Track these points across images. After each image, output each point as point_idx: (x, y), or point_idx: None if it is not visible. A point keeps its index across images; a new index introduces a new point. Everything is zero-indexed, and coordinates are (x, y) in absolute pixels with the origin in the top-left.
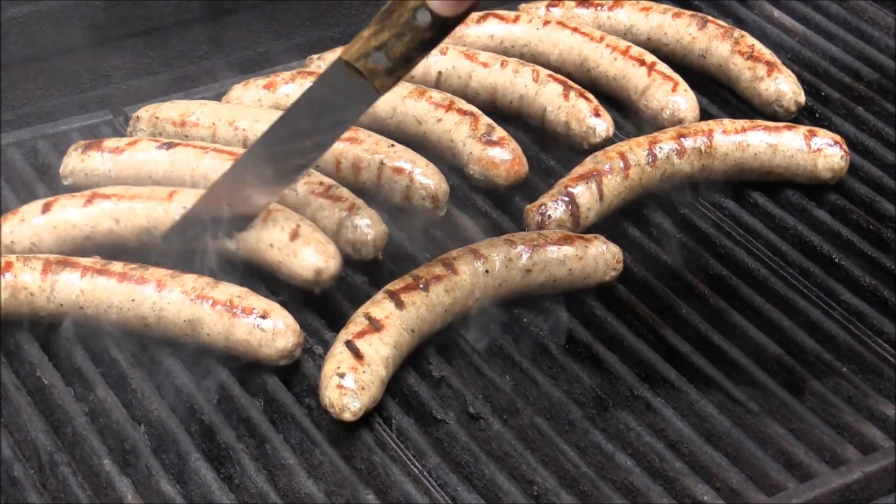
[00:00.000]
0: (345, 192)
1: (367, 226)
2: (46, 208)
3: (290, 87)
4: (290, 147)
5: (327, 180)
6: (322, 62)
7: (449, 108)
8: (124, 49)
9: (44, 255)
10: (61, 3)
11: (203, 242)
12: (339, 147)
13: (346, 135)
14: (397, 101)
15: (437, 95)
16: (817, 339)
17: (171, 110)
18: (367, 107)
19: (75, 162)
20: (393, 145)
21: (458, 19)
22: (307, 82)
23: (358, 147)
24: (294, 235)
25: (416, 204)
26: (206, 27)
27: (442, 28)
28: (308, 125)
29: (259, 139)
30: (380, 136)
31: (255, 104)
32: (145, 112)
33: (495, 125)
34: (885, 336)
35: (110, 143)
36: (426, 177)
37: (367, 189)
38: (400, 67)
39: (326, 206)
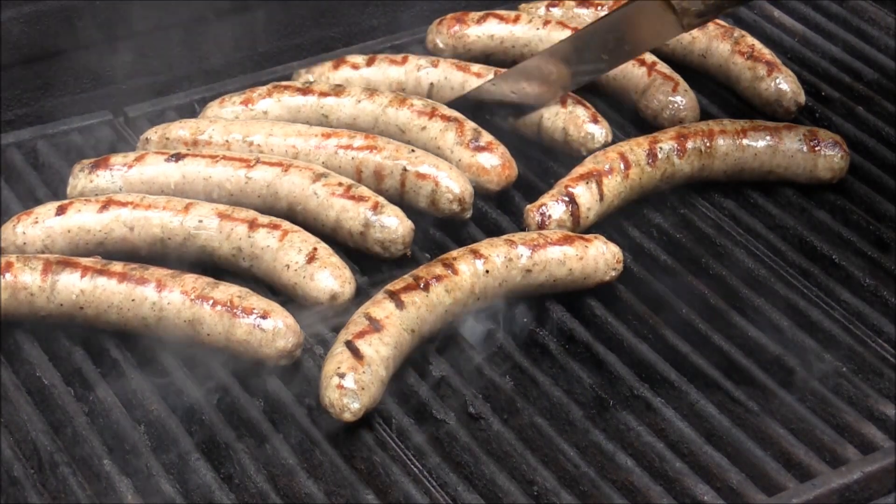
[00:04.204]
0: (365, 191)
1: (396, 223)
2: (61, 211)
3: (267, 101)
4: (585, 55)
5: (346, 180)
6: (310, 75)
7: (432, 114)
8: (124, 49)
9: (44, 256)
10: (61, 3)
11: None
12: (358, 156)
13: (365, 143)
14: (378, 112)
15: (418, 103)
16: (817, 339)
17: (180, 129)
18: (667, 40)
19: (84, 182)
20: (413, 150)
21: None
22: (284, 96)
23: (378, 154)
24: (311, 258)
25: (442, 208)
26: (206, 27)
27: None
28: (609, 40)
29: (563, 41)
30: (399, 142)
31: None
32: (154, 133)
33: (481, 129)
34: (885, 336)
35: (117, 159)
36: (452, 180)
37: (390, 196)
38: (710, 12)
39: (350, 207)
